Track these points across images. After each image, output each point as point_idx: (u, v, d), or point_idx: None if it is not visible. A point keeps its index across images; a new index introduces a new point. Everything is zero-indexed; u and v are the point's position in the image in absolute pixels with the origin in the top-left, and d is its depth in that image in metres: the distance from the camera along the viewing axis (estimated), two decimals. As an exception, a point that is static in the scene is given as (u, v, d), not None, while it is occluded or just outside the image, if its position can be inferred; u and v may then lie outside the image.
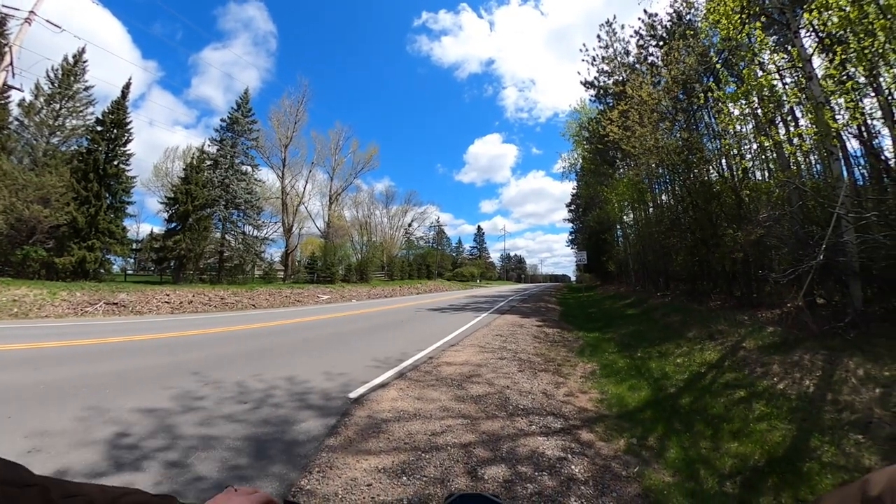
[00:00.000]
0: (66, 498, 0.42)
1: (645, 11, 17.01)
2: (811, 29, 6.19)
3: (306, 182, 41.08)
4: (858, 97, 5.20)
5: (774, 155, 8.11)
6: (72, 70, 21.64)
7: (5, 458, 0.41)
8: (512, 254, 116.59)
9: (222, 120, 29.15)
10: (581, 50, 24.20)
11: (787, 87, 6.99)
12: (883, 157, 5.48)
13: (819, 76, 5.60)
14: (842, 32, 5.03)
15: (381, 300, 23.90)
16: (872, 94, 5.42)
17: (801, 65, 6.02)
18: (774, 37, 7.21)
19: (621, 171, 21.44)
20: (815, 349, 4.77)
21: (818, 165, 7.84)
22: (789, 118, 7.72)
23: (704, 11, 8.63)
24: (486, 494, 0.77)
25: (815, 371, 4.33)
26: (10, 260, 16.75)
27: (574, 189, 41.70)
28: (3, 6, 14.55)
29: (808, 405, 3.79)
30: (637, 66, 16.13)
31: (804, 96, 5.90)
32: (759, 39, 6.39)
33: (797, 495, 2.63)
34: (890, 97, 5.30)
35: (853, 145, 6.63)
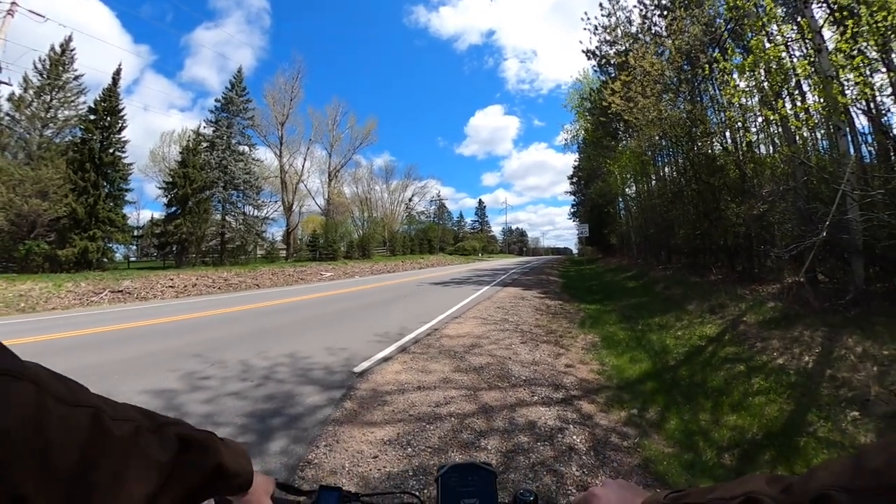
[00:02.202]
0: (115, 420, 0.43)
1: (649, -23, 16.39)
2: (822, 0, 6.02)
3: (305, 159, 40.81)
4: (869, 72, 5.10)
5: (780, 129, 8.01)
6: (60, 60, 21.22)
7: (64, 376, 0.42)
8: (514, 227, 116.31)
9: (217, 100, 28.75)
10: (583, 18, 23.49)
11: (795, 59, 6.85)
12: (891, 135, 5.42)
13: (829, 49, 5.48)
14: (854, 4, 4.89)
15: (383, 275, 24.04)
16: (883, 70, 5.31)
17: (810, 37, 5.88)
18: (783, 8, 7.01)
19: (624, 142, 21.18)
20: (816, 326, 4.85)
21: (824, 141, 7.77)
22: (796, 92, 7.59)
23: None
24: (477, 463, 0.79)
25: (815, 347, 4.42)
26: (14, 256, 16.93)
27: (576, 161, 41.39)
28: None
29: (807, 381, 3.89)
30: (640, 35, 15.71)
31: (813, 70, 5.79)
32: (768, 9, 6.21)
33: (793, 469, 2.74)
34: (902, 73, 5.20)
35: (861, 122, 6.53)
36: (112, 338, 6.93)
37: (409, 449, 2.97)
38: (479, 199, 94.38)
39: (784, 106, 6.34)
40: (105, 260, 19.78)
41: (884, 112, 5.84)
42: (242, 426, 3.32)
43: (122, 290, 14.24)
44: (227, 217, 27.34)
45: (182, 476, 0.48)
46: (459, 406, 3.73)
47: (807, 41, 6.11)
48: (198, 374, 4.63)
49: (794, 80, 6.77)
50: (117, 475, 0.40)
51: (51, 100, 20.94)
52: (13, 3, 13.80)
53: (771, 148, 9.53)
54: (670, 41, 11.40)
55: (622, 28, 18.15)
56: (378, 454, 2.90)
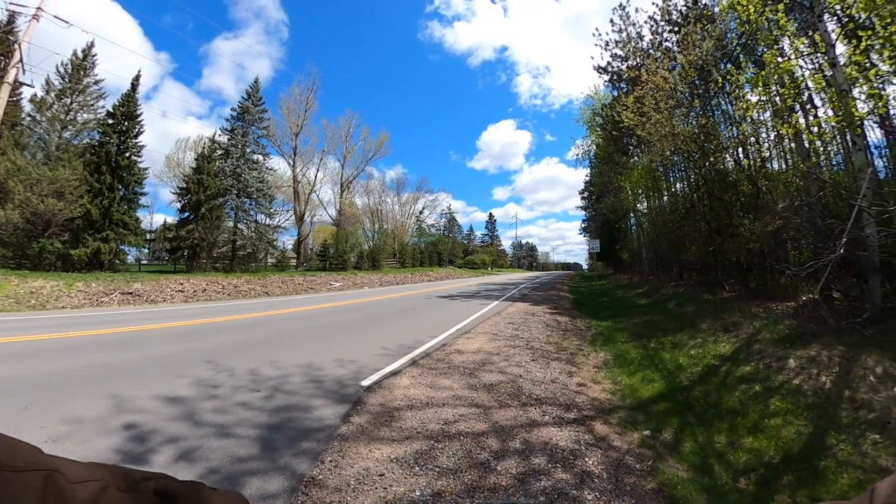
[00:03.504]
0: (76, 483, 0.38)
1: (660, -6, 16.51)
2: (835, 12, 5.97)
3: (317, 170, 41.46)
4: (882, 85, 5.04)
5: (793, 144, 7.92)
6: (81, 64, 21.91)
7: (11, 438, 0.38)
8: (524, 241, 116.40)
9: (233, 109, 29.29)
10: (594, 34, 23.68)
11: (808, 73, 6.79)
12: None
13: (842, 63, 5.42)
14: (867, 17, 4.85)
15: (392, 287, 24.06)
16: (897, 83, 5.24)
17: (824, 50, 5.83)
18: (795, 22, 6.97)
19: (635, 158, 21.12)
20: (832, 344, 4.71)
21: (838, 156, 7.65)
22: (808, 106, 7.51)
23: (723, -6, 8.36)
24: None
25: (832, 367, 4.28)
26: (27, 253, 17.19)
27: (587, 176, 41.38)
28: (11, 4, 14.63)
29: (825, 402, 3.76)
30: (651, 51, 15.76)
31: (826, 83, 5.73)
32: (780, 23, 6.17)
33: (813, 494, 2.63)
34: (917, 86, 5.12)
35: (876, 135, 6.44)
36: (120, 339, 6.96)
37: (417, 468, 2.90)
38: (490, 213, 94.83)
39: (798, 120, 6.26)
40: (117, 261, 20.05)
41: (899, 124, 5.75)
42: (248, 437, 3.28)
43: (132, 293, 14.39)
44: (239, 224, 27.63)
45: None
46: (469, 424, 3.66)
47: (820, 55, 6.06)
48: (206, 382, 4.60)
49: (807, 94, 6.69)
50: None
51: (71, 103, 21.59)
52: (39, 8, 14.24)
53: (784, 163, 9.41)
54: (682, 56, 11.40)
55: (633, 44, 18.24)
56: (385, 472, 2.84)
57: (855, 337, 4.68)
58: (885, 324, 4.72)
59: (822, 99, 6.66)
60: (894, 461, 2.79)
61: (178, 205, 24.63)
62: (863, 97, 5.16)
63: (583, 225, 53.41)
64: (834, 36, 5.74)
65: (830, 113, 5.77)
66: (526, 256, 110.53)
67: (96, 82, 22.54)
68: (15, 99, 18.81)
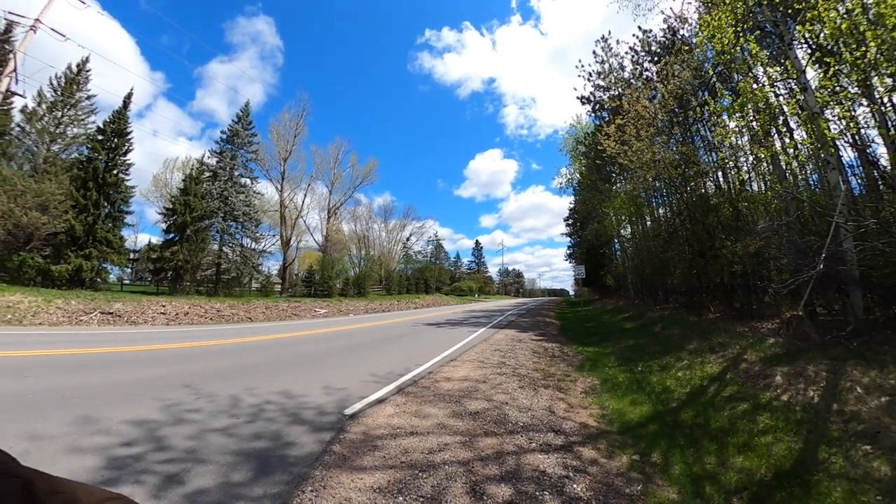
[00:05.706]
0: (50, 494, 0.40)
1: (640, 28, 17.31)
2: (804, 41, 6.27)
3: (305, 195, 41.32)
4: (851, 107, 5.24)
5: (770, 166, 8.17)
6: (75, 79, 21.79)
7: None
8: (510, 268, 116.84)
9: (222, 132, 29.33)
10: (577, 66, 24.61)
11: (782, 98, 7.07)
12: (878, 165, 5.51)
13: (813, 87, 5.64)
14: (833, 44, 5.09)
15: (378, 314, 23.73)
16: (865, 104, 5.46)
17: (795, 76, 6.08)
18: (768, 50, 7.30)
19: (618, 185, 21.55)
20: (818, 359, 4.69)
21: (814, 175, 7.90)
22: (784, 129, 7.79)
23: (698, 27, 8.77)
24: None
25: (820, 381, 4.25)
26: (6, 266, 16.60)
27: (572, 204, 41.99)
28: (9, 13, 14.74)
29: (814, 416, 3.71)
30: (632, 81, 16.34)
31: (799, 107, 5.95)
32: (753, 52, 6.45)
33: (807, 509, 2.53)
34: (883, 106, 5.34)
35: (848, 154, 6.68)
36: (98, 360, 6.74)
37: (400, 498, 2.78)
38: (476, 240, 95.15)
39: (774, 143, 6.47)
40: (98, 280, 19.50)
41: (868, 143, 5.96)
42: (227, 465, 3.11)
43: (112, 312, 13.92)
44: (224, 248, 27.19)
45: None
46: (455, 453, 3.55)
47: (792, 80, 6.31)
48: (183, 406, 4.43)
49: (781, 118, 6.93)
50: None
51: (61, 116, 21.25)
52: (37, 20, 14.30)
53: (763, 185, 9.67)
54: (662, 86, 11.81)
55: (615, 74, 18.91)
56: (367, 503, 2.72)
57: (840, 350, 4.68)
58: (868, 335, 4.74)
59: (796, 122, 6.91)
60: (887, 470, 2.72)
61: (164, 225, 24.25)
62: (835, 119, 5.35)
63: (568, 251, 53.80)
64: (804, 62, 6.00)
65: (804, 135, 5.96)
66: (512, 283, 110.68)
67: (88, 97, 22.41)
68: (6, 108, 18.51)
